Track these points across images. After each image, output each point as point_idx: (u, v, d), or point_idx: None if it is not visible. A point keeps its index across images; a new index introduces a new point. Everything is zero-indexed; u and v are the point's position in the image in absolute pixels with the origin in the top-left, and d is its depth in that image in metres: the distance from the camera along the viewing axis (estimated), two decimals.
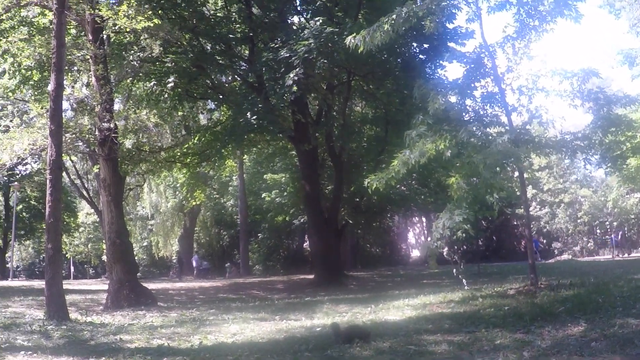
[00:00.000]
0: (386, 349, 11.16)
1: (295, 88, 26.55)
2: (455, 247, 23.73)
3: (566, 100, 17.93)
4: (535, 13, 18.00)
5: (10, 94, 34.97)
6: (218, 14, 33.70)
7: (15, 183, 55.51)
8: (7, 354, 11.94)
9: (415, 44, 33.09)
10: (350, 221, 44.58)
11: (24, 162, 34.82)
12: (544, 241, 64.80)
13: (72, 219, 64.63)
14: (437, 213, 39.35)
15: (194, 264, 57.09)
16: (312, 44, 26.01)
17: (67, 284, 21.29)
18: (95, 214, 56.12)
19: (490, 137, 17.41)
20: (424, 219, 68.37)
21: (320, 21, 28.12)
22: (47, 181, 19.29)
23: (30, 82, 31.04)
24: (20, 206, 62.77)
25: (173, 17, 29.73)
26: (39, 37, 26.41)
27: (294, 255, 63.53)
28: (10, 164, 27.75)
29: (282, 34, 30.20)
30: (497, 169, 16.05)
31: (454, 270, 21.81)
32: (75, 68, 27.77)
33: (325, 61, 27.56)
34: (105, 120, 24.51)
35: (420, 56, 33.57)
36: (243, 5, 33.14)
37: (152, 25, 23.07)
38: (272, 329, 15.55)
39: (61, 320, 17.61)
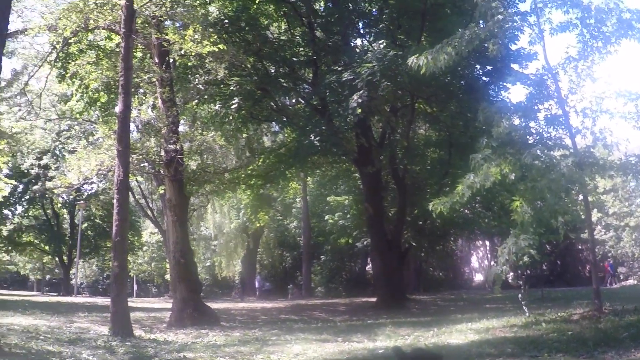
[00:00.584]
0: None
1: (359, 110, 26.66)
2: (520, 272, 23.39)
3: (630, 122, 17.67)
4: (598, 34, 17.85)
5: (77, 115, 35.65)
6: (282, 38, 34.06)
7: (81, 202, 56.53)
8: None
9: (478, 66, 32.91)
10: (414, 244, 44.29)
11: (89, 181, 35.41)
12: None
13: (136, 238, 65.52)
14: (500, 237, 39.03)
15: (257, 284, 57.27)
16: (376, 67, 26.10)
17: (131, 302, 21.75)
18: (160, 233, 56.80)
19: (554, 160, 17.26)
20: (487, 243, 67.64)
21: (384, 44, 28.22)
22: (114, 201, 19.66)
23: (97, 104, 31.67)
24: (86, 224, 63.84)
25: (237, 40, 30.09)
26: (107, 60, 26.96)
27: (356, 277, 63.36)
28: (78, 184, 28.30)
29: (345, 57, 30.36)
30: (562, 194, 15.92)
31: (519, 295, 21.60)
32: (141, 90, 28.28)
33: (389, 84, 27.60)
34: (172, 141, 24.92)
35: (484, 78, 33.38)
36: (306, 29, 33.40)
37: (217, 49, 23.42)
38: (334, 350, 15.58)
39: (125, 336, 17.93)
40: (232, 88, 30.15)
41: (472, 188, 16.58)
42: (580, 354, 11.69)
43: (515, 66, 31.09)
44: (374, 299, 38.02)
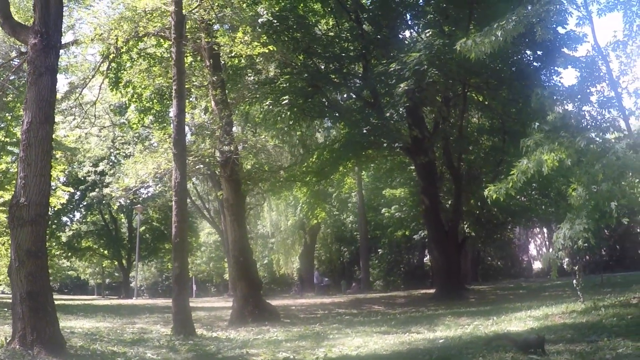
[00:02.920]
0: (508, 358, 11.21)
1: (404, 99, 26.85)
2: (577, 258, 23.22)
3: None
4: None
5: (134, 127, 36.21)
6: (330, 34, 34.15)
7: (138, 205, 57.40)
8: None
9: (528, 52, 32.82)
10: (472, 233, 44.12)
11: (146, 185, 35.93)
12: None
13: (194, 239, 66.35)
14: (558, 223, 38.75)
15: (315, 280, 57.40)
16: (422, 56, 26.17)
17: (191, 302, 21.96)
18: (217, 233, 57.39)
19: (607, 145, 17.09)
20: (545, 230, 67.02)
21: (430, 33, 28.24)
22: (173, 203, 20.12)
23: (152, 112, 32.18)
24: (143, 227, 64.87)
25: (286, 39, 30.26)
26: (158, 67, 27.39)
27: (414, 270, 63.35)
28: (135, 187, 28.83)
29: (395, 49, 30.38)
30: (616, 178, 15.76)
31: (574, 281, 21.51)
32: (194, 96, 28.68)
33: (436, 71, 27.56)
34: (226, 142, 25.20)
35: (535, 64, 33.19)
36: (354, 24, 33.55)
37: (267, 50, 23.68)
38: (395, 342, 15.69)
39: (187, 335, 18.29)
40: (283, 85, 30.33)
41: (526, 174, 16.51)
42: None
43: (565, 50, 30.85)
44: (432, 291, 38.12)
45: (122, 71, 29.28)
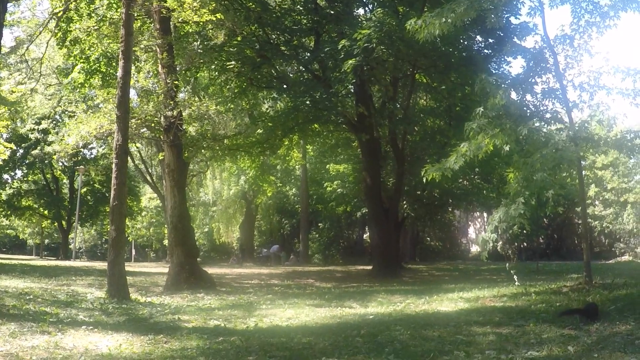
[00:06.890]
0: (435, 337, 11.36)
1: (351, 75, 26.86)
2: (515, 244, 23.56)
3: (628, 98, 17.62)
4: (594, 9, 17.82)
5: (79, 87, 35.54)
6: (283, 6, 33.90)
7: (81, 166, 56.67)
8: (69, 328, 12.39)
9: (480, 38, 32.95)
10: (412, 213, 44.46)
11: (89, 145, 35.38)
12: (605, 241, 63.50)
13: (135, 203, 65.89)
14: (498, 208, 39.14)
15: (272, 250, 57.45)
16: (372, 33, 26.16)
17: (129, 266, 21.80)
18: (158, 198, 57.04)
19: (550, 134, 17.25)
20: (485, 214, 67.75)
21: (381, 11, 28.22)
22: (113, 165, 19.89)
23: (98, 74, 31.74)
24: (85, 189, 64.19)
25: (238, 7, 29.99)
26: (107, 27, 26.97)
27: (353, 245, 63.73)
28: (76, 146, 28.41)
29: (347, 26, 30.31)
30: (552, 169, 15.95)
31: (507, 264, 21.79)
32: (144, 57, 28.32)
33: (384, 49, 27.56)
34: (170, 108, 25.00)
35: (485, 51, 33.33)
36: None
37: (215, 18, 23.47)
38: (326, 315, 15.86)
39: (122, 299, 18.23)
40: (231, 50, 30.08)
41: (465, 157, 16.65)
42: (566, 325, 11.85)
43: (516, 39, 31.05)
44: (370, 267, 38.29)
45: (70, 30, 28.78)
